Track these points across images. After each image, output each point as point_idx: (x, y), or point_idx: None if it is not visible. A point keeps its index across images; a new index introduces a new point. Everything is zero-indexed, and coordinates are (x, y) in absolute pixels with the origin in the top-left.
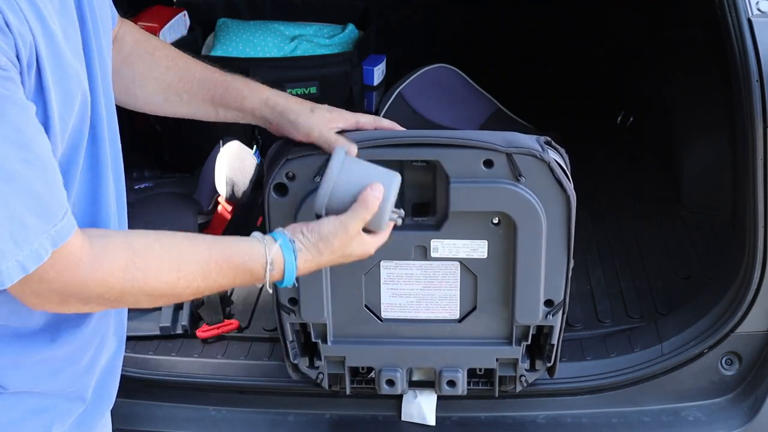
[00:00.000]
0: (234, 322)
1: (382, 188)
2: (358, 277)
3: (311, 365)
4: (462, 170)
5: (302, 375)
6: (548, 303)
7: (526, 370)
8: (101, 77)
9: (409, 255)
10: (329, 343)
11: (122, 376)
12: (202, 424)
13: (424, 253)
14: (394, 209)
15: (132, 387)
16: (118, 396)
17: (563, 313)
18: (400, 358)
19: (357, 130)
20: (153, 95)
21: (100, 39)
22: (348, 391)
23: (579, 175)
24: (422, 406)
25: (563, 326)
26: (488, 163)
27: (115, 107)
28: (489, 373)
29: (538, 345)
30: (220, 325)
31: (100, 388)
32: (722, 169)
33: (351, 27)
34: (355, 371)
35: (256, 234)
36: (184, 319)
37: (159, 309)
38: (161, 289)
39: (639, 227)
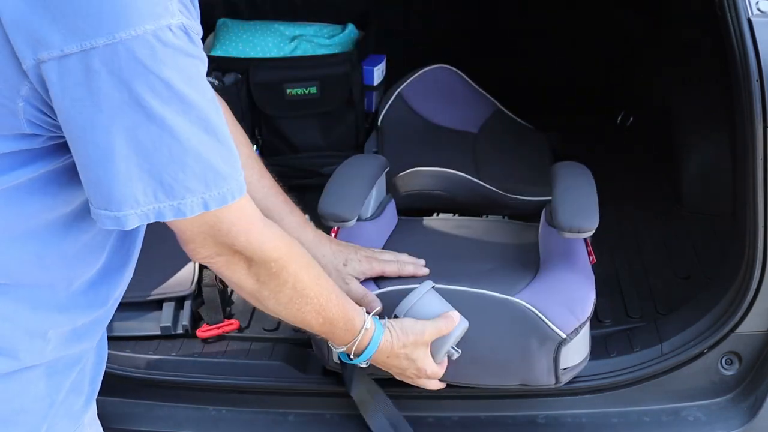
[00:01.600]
0: (234, 322)
1: (459, 315)
2: None
3: None
4: None
5: None
6: None
7: None
8: None
9: None
10: None
11: (122, 376)
12: (202, 424)
13: None
14: (454, 347)
15: (132, 387)
16: (119, 396)
17: None
18: None
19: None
20: None
21: None
22: None
23: None
24: None
25: None
26: None
27: None
28: None
29: None
30: (220, 325)
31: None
32: (722, 169)
33: (351, 27)
34: None
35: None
36: (184, 318)
37: (159, 309)
38: (304, 284)
39: (639, 227)
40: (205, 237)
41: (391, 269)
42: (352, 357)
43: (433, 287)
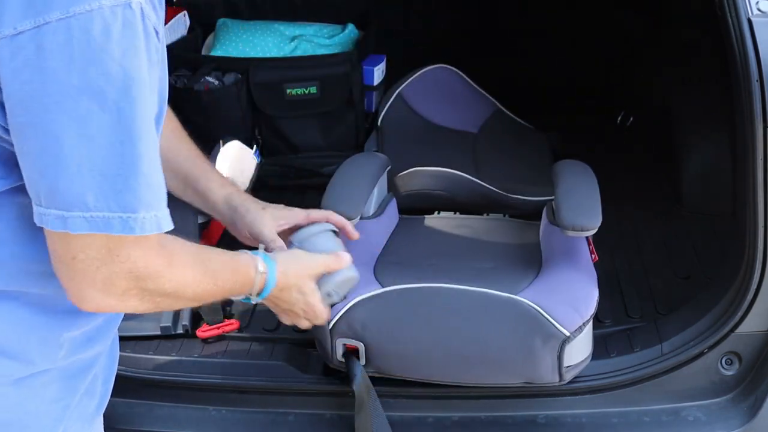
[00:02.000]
0: (234, 322)
1: (350, 259)
2: None
3: None
4: None
5: None
6: None
7: None
8: None
9: None
10: None
11: (122, 376)
12: (202, 424)
13: None
14: (336, 290)
15: (132, 387)
16: (119, 396)
17: None
18: None
19: (311, 223)
20: None
21: None
22: None
23: None
24: None
25: None
26: None
27: None
28: None
29: None
30: (220, 325)
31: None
32: (722, 169)
33: (351, 27)
34: None
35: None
36: (184, 318)
37: None
38: (196, 284)
39: (639, 227)
40: (100, 265)
41: (317, 215)
42: (253, 298)
43: (333, 231)
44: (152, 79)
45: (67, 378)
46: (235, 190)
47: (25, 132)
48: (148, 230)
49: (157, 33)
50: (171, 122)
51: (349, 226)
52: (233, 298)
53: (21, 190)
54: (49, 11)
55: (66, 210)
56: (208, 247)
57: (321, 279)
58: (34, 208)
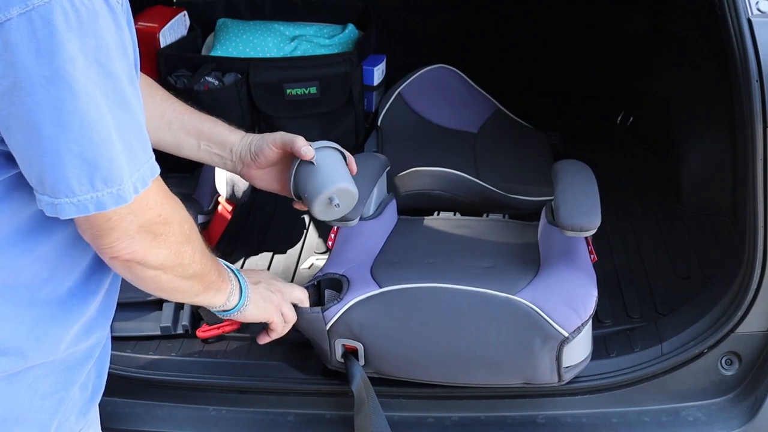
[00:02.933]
0: (234, 322)
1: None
2: None
3: None
4: None
5: None
6: None
7: None
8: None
9: None
10: None
11: (123, 376)
12: (202, 424)
13: None
14: (340, 201)
15: (132, 387)
16: (119, 396)
17: None
18: None
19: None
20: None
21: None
22: None
23: None
24: None
25: None
26: None
27: None
28: None
29: None
30: (220, 325)
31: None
32: (722, 169)
33: (351, 27)
34: None
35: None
36: (184, 318)
37: (160, 309)
38: (193, 248)
39: (639, 227)
40: (132, 220)
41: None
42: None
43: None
44: (121, 51)
45: (63, 370)
46: (238, 131)
47: (10, 124)
48: (141, 188)
49: (120, 3)
50: (160, 91)
51: (353, 160)
52: (215, 309)
53: (7, 181)
54: (8, 7)
55: (54, 197)
56: None
57: (316, 186)
58: (35, 193)
